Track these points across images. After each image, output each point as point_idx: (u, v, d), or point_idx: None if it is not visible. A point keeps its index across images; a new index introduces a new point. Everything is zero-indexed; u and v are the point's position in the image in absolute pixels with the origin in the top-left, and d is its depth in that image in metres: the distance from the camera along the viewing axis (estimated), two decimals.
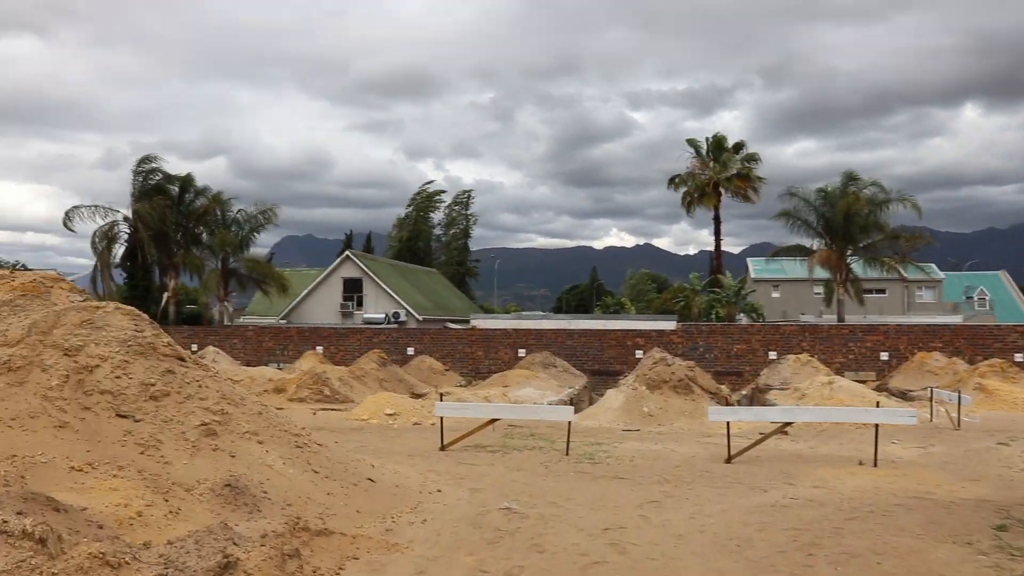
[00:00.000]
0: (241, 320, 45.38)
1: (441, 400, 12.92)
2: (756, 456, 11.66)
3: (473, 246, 75.13)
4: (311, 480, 7.33)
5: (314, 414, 18.01)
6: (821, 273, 36.69)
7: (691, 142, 44.30)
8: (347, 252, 43.17)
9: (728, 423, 11.81)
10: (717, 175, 43.44)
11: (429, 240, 65.23)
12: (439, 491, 8.79)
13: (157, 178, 37.29)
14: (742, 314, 43.21)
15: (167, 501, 5.98)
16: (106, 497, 5.69)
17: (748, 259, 70.55)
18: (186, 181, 37.83)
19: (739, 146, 44.54)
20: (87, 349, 7.41)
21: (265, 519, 6.28)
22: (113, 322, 7.85)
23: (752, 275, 64.72)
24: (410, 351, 33.31)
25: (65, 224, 35.80)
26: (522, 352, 32.20)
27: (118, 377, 7.27)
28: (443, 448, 12.18)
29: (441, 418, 12.46)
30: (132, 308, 8.14)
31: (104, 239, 36.02)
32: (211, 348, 32.25)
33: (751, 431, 14.27)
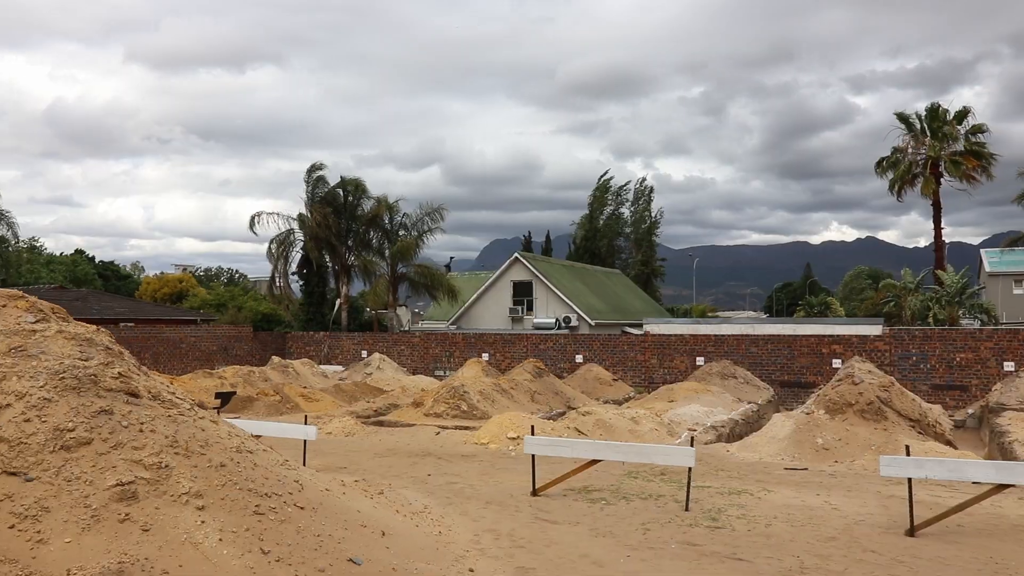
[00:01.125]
0: (420, 325, 45.37)
1: (533, 434, 10.56)
2: (958, 526, 8.31)
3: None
4: (249, 565, 5.32)
5: (436, 434, 16.35)
6: None
7: (901, 116, 38.10)
8: (516, 254, 41.51)
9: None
10: (935, 153, 37.01)
11: (610, 238, 62.06)
12: (470, 571, 6.53)
13: (326, 187, 37.70)
14: (971, 316, 36.58)
15: None
16: None
17: (982, 250, 61.32)
18: (356, 186, 37.92)
19: (962, 115, 37.56)
20: (5, 384, 5.91)
21: None
22: (51, 349, 6.33)
23: (987, 268, 56.02)
24: (579, 358, 31.24)
25: (251, 228, 37.06)
26: (700, 360, 29.15)
27: (28, 420, 5.68)
28: (535, 493, 9.89)
29: (533, 456, 10.15)
30: (83, 331, 6.61)
31: (280, 246, 36.90)
32: (376, 355, 31.95)
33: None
